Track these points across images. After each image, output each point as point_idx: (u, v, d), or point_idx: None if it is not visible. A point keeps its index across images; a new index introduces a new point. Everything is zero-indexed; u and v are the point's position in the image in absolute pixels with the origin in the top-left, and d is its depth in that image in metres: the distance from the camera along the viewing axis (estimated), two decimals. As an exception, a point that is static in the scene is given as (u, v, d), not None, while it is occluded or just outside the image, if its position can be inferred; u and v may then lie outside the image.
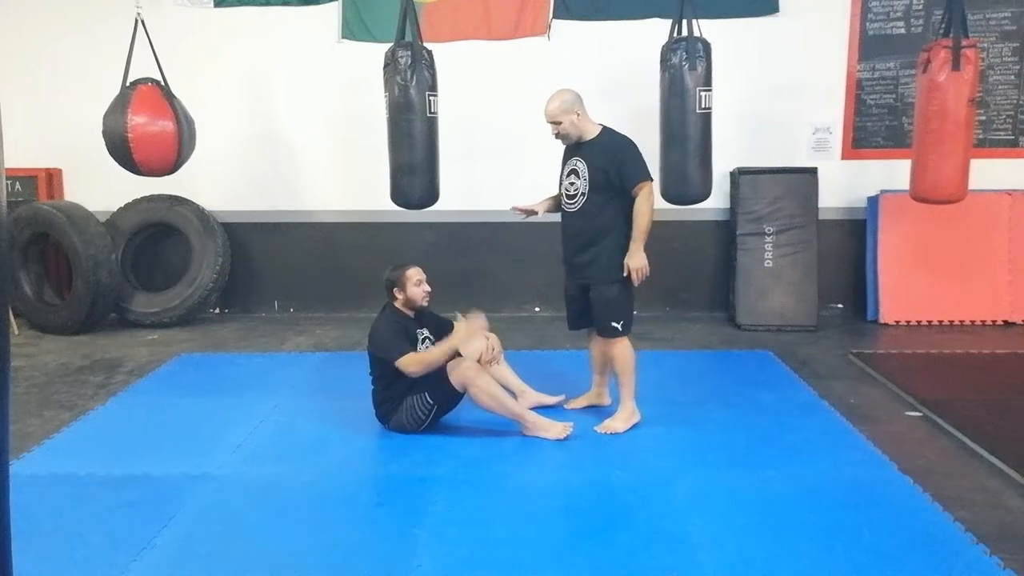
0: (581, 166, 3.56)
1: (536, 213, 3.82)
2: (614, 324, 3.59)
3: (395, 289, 3.60)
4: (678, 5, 4.40)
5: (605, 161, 3.51)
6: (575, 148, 3.64)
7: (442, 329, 3.77)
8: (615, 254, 3.53)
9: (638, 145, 3.59)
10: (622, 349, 3.63)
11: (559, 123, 3.55)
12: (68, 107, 5.82)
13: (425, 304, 3.65)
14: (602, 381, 3.94)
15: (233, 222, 5.99)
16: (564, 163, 3.71)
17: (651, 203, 3.50)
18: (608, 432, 3.58)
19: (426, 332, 3.65)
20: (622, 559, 2.52)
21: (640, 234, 3.48)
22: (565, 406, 3.92)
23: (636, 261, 3.49)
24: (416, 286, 3.60)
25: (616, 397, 3.77)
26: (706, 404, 3.96)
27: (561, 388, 4.05)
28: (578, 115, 3.55)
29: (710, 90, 4.37)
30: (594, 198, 3.53)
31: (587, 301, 3.68)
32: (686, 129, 4.30)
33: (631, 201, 3.50)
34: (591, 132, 3.59)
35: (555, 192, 3.82)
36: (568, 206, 3.64)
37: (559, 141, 3.68)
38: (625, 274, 3.52)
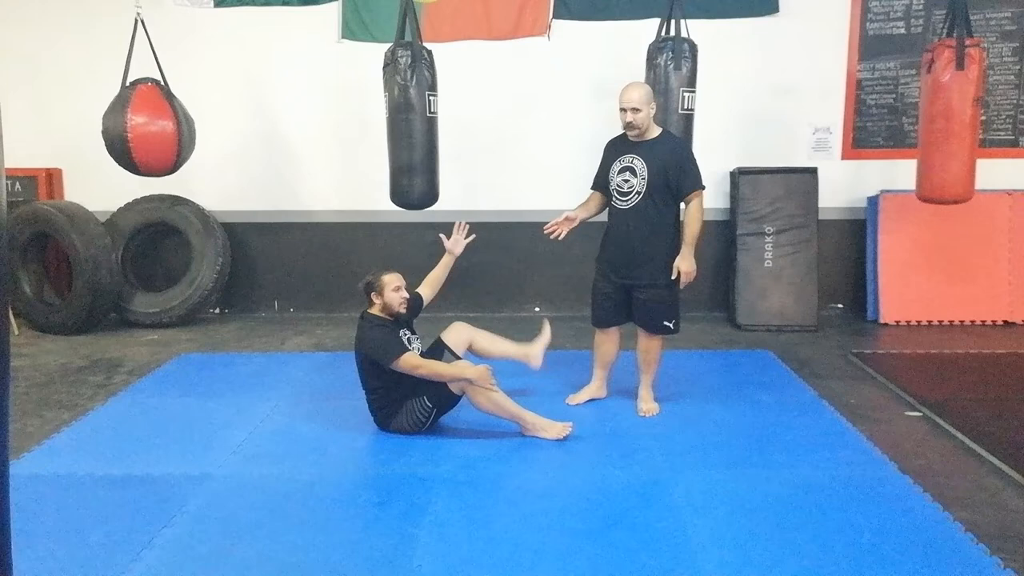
0: (639, 164, 3.59)
1: (575, 221, 3.81)
2: (667, 323, 3.73)
3: (372, 294, 3.58)
4: (667, 4, 4.40)
5: (668, 163, 3.57)
6: (629, 145, 3.65)
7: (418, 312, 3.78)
8: (669, 256, 3.62)
9: None
10: (661, 343, 3.83)
11: (639, 111, 3.54)
12: (68, 107, 5.82)
13: (402, 311, 3.59)
14: (604, 376, 3.99)
15: (233, 222, 5.99)
16: (612, 159, 3.71)
17: (702, 211, 3.63)
18: (653, 414, 3.79)
19: (408, 333, 3.64)
20: (622, 559, 2.52)
21: (692, 239, 3.59)
22: (567, 401, 3.95)
23: (688, 265, 3.60)
24: (394, 292, 3.56)
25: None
26: (706, 404, 3.96)
27: (561, 387, 4.08)
28: (653, 108, 3.61)
29: (694, 91, 4.38)
30: (651, 198, 3.60)
31: (625, 300, 3.75)
32: (667, 129, 4.30)
33: (678, 204, 3.64)
34: (653, 131, 3.65)
35: (587, 197, 3.87)
36: (621, 203, 3.67)
37: (624, 129, 3.66)
38: (674, 277, 3.62)
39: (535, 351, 3.86)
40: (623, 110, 3.56)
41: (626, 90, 3.57)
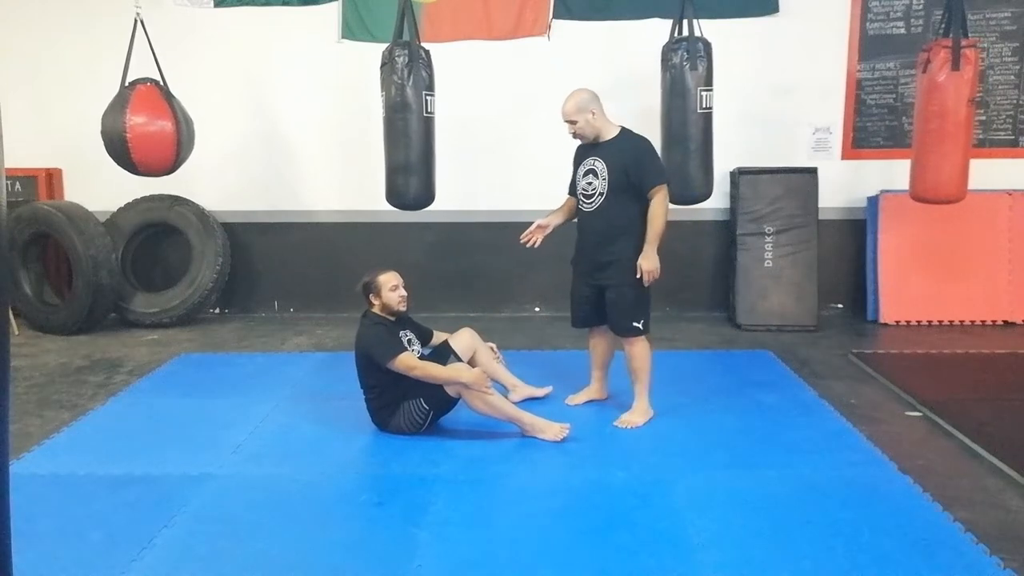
0: (600, 166, 3.56)
1: (548, 228, 3.78)
2: (635, 324, 3.63)
3: (371, 295, 3.59)
4: (679, 5, 4.40)
5: (625, 161, 3.51)
6: (591, 148, 3.63)
7: (424, 336, 3.78)
8: (634, 255, 3.54)
9: None
10: (641, 348, 3.68)
11: (574, 122, 3.54)
12: (68, 107, 5.82)
13: (402, 309, 3.61)
14: (602, 376, 3.97)
15: (233, 222, 5.99)
16: (578, 163, 3.70)
17: (666, 206, 3.54)
18: (627, 426, 3.65)
19: (409, 334, 3.64)
20: (622, 559, 2.52)
21: (654, 236, 3.51)
22: (566, 401, 3.95)
23: (649, 263, 3.51)
24: (391, 291, 3.56)
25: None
26: (706, 404, 3.96)
27: (561, 387, 4.07)
28: (593, 114, 3.54)
29: (711, 90, 4.38)
30: (613, 198, 3.54)
31: (601, 301, 3.69)
32: (687, 129, 4.31)
33: (646, 202, 3.53)
34: (609, 132, 3.60)
35: (563, 201, 3.84)
36: (585, 206, 3.64)
37: (575, 140, 3.68)
38: (638, 275, 3.53)
39: (522, 389, 3.93)
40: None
41: (563, 103, 3.57)
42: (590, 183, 3.60)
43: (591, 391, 3.98)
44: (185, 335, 5.49)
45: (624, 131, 3.63)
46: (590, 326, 3.86)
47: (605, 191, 3.55)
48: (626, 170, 3.50)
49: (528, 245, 3.78)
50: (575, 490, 3.05)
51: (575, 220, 3.78)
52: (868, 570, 2.43)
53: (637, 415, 3.69)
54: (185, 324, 5.73)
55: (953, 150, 4.57)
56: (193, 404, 4.02)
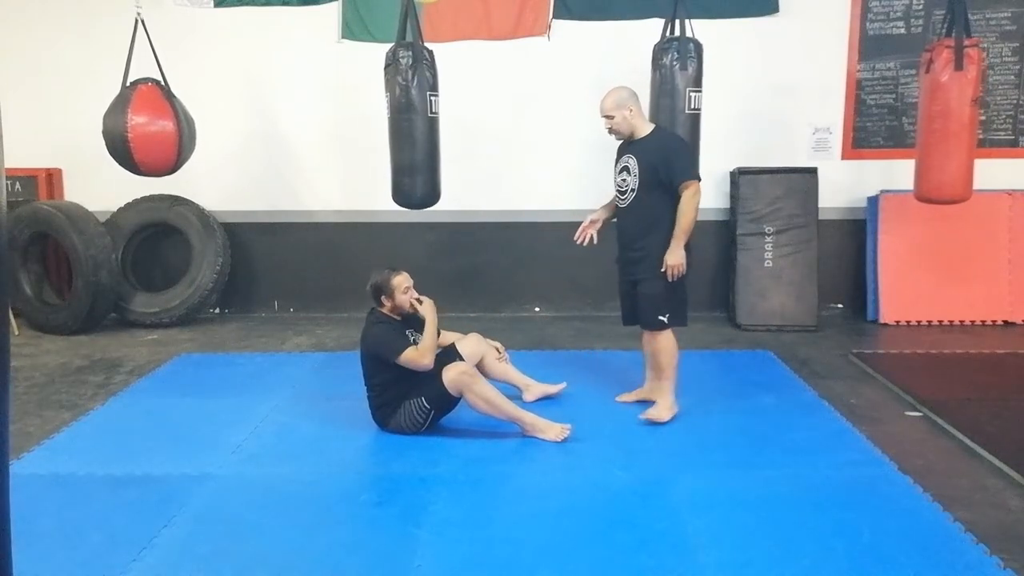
0: (632, 163, 3.64)
1: (599, 222, 3.86)
2: (659, 317, 3.68)
3: (383, 296, 3.59)
4: (670, 4, 4.40)
5: (655, 158, 3.58)
6: (627, 145, 3.72)
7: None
8: (663, 250, 3.59)
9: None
10: (666, 342, 3.72)
11: (612, 118, 3.62)
12: (68, 107, 5.81)
13: (412, 311, 3.62)
14: (655, 377, 3.92)
15: (233, 222, 5.99)
16: (616, 161, 3.78)
17: (696, 202, 3.56)
18: (653, 421, 3.67)
19: (415, 334, 3.64)
20: (622, 559, 2.52)
21: (681, 231, 3.55)
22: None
23: (674, 258, 3.56)
24: (404, 294, 3.57)
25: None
26: (706, 404, 3.95)
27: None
28: (631, 111, 3.63)
29: (700, 91, 4.38)
30: (644, 195, 3.62)
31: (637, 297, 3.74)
32: (675, 129, 4.30)
33: (678, 198, 3.56)
34: (643, 130, 3.69)
35: (610, 199, 3.89)
36: (620, 202, 3.74)
37: (611, 137, 3.75)
38: (663, 269, 3.58)
39: (536, 388, 3.95)
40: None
41: (602, 99, 3.65)
42: (624, 180, 3.68)
43: (642, 392, 3.96)
44: (185, 335, 5.49)
45: (657, 129, 3.73)
46: (633, 324, 3.88)
47: (636, 188, 3.63)
48: (656, 167, 3.57)
49: (583, 243, 3.84)
50: (575, 490, 3.04)
51: (612, 216, 3.85)
52: (868, 570, 2.44)
53: (663, 411, 3.72)
54: (185, 324, 5.73)
55: (957, 150, 4.56)
56: (193, 404, 4.01)
